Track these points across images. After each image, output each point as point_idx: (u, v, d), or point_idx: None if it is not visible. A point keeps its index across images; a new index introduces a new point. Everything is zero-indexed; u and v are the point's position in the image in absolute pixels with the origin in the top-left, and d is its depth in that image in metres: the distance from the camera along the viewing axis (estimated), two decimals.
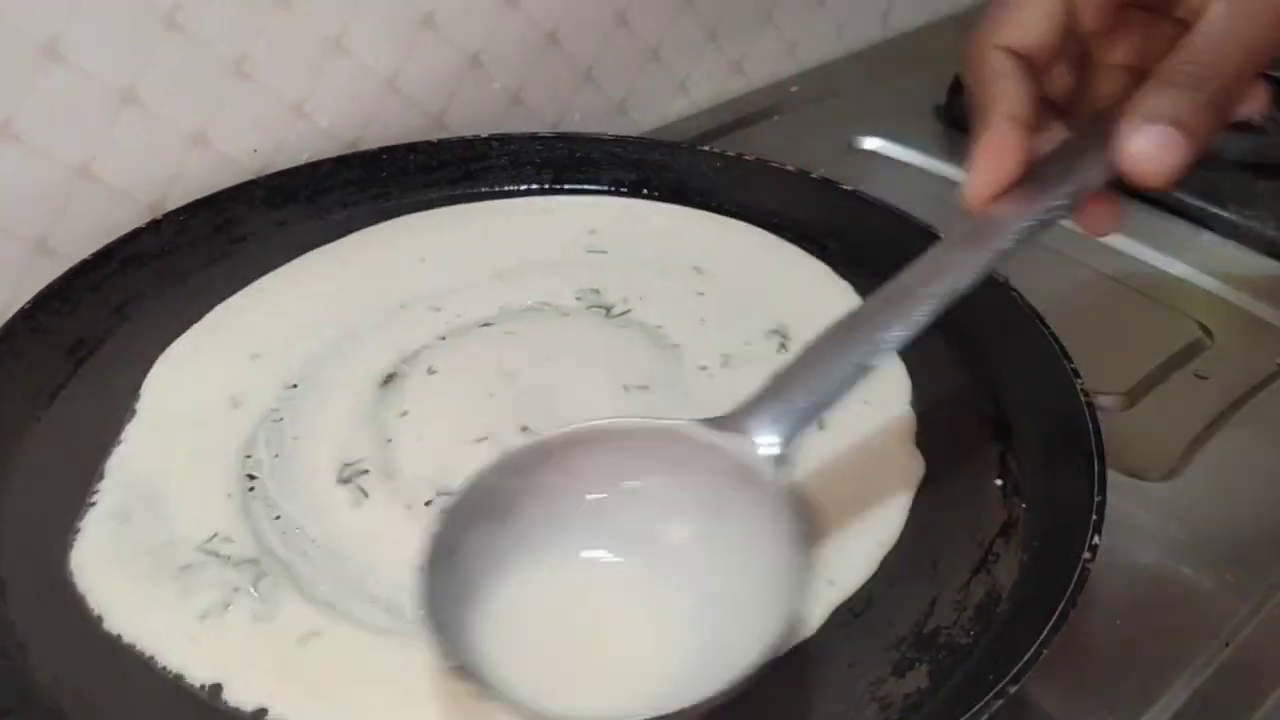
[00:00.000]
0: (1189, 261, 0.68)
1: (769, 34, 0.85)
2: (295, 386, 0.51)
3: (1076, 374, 0.49)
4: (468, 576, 0.36)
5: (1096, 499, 0.43)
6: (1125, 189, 0.39)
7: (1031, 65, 0.40)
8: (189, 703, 0.39)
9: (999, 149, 0.39)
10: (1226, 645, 0.46)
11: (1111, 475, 0.53)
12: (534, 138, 0.66)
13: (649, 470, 0.38)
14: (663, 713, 0.32)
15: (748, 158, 0.66)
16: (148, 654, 0.40)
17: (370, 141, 0.66)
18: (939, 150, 0.79)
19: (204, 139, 0.60)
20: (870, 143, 0.80)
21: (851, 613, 0.43)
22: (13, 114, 0.53)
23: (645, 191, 0.66)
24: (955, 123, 0.81)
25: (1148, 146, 0.36)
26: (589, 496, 0.38)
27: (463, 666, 0.33)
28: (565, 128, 0.75)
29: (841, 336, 0.38)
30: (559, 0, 0.70)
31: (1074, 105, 0.43)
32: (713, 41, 0.81)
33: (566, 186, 0.66)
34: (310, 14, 0.60)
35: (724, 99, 0.84)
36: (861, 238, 0.62)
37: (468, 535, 0.36)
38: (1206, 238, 0.70)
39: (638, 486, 0.38)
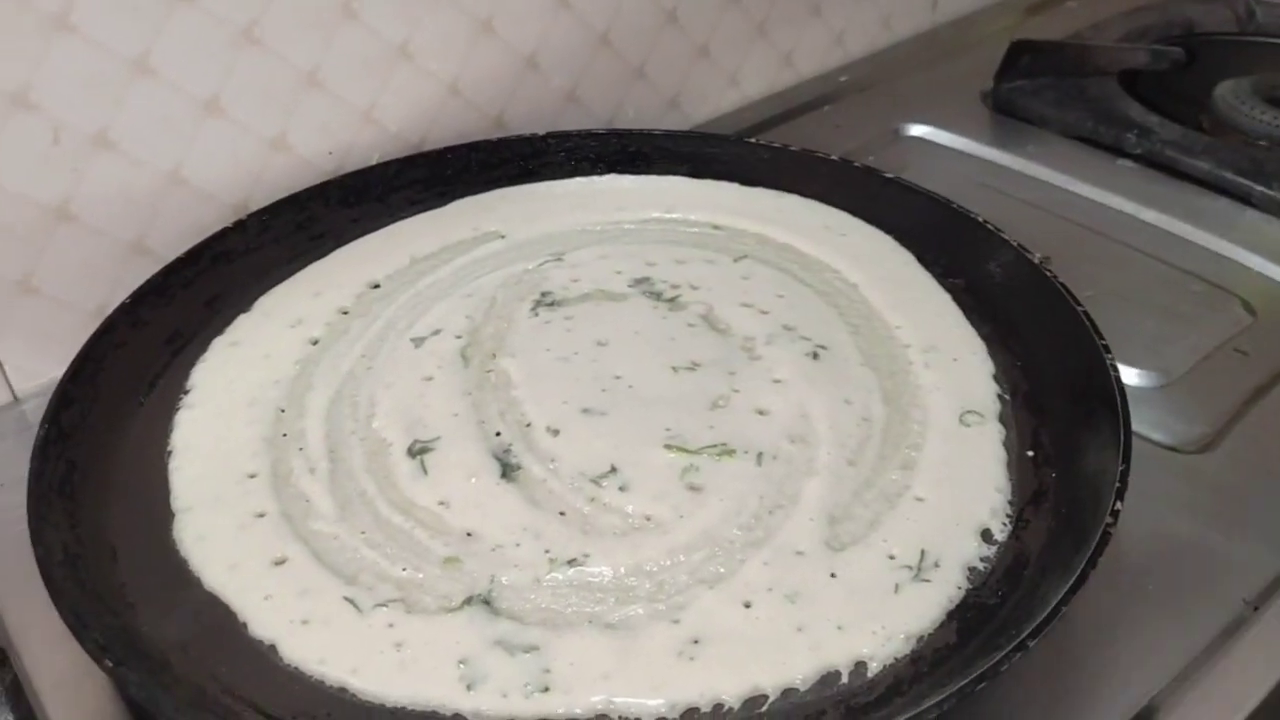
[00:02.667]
0: (1232, 238, 0.69)
1: (817, 26, 0.87)
2: (370, 369, 0.55)
3: (1107, 349, 0.51)
4: None
5: (1120, 468, 0.45)
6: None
7: None
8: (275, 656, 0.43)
9: None
10: (1255, 609, 0.48)
11: (1148, 447, 0.55)
12: (589, 134, 0.70)
13: None
14: None
15: (793, 148, 0.69)
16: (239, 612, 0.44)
17: (435, 142, 0.70)
18: (985, 136, 0.81)
19: (283, 144, 0.64)
20: (918, 129, 0.82)
21: None
22: (108, 124, 0.58)
23: None
24: (1002, 108, 0.83)
25: None
26: None
27: None
28: (619, 124, 0.78)
29: None
30: (610, 1, 0.73)
31: None
32: (761, 35, 0.84)
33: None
34: (376, 25, 0.64)
35: (774, 91, 0.87)
36: (904, 224, 0.64)
37: None
38: (1250, 215, 0.71)
39: None
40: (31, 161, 0.56)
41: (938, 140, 0.81)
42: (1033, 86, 0.82)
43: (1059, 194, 0.75)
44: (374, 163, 0.67)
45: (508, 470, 0.49)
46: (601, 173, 0.69)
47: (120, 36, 0.56)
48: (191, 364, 0.56)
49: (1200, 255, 0.69)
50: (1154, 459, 0.55)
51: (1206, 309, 0.64)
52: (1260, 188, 0.71)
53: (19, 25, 0.53)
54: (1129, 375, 0.59)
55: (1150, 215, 0.72)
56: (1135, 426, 0.49)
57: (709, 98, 0.83)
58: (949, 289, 0.60)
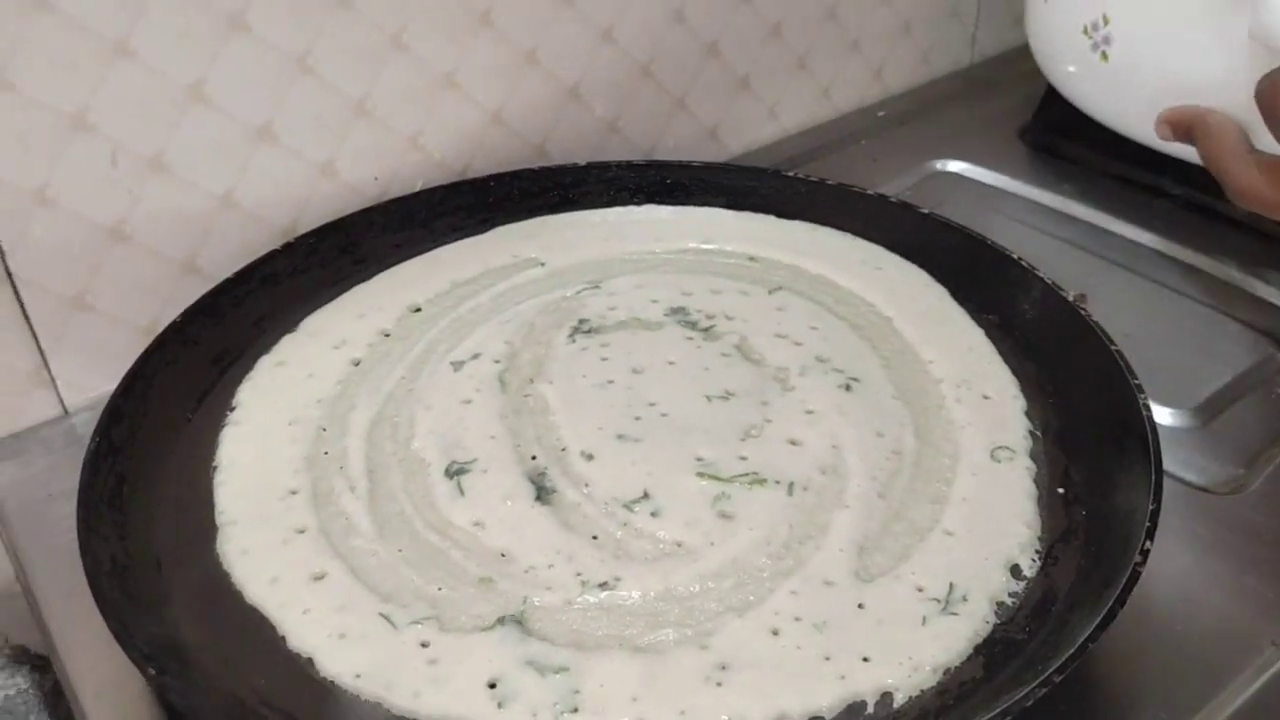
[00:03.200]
0: (1269, 279, 0.69)
1: (856, 60, 0.88)
2: (411, 391, 0.56)
3: (1140, 389, 0.52)
4: None
5: (1151, 507, 0.45)
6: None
7: None
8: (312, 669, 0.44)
9: None
10: None
11: (1179, 488, 0.55)
12: (629, 165, 0.71)
13: None
14: None
15: (830, 182, 0.69)
16: (278, 624, 0.45)
17: (478, 170, 0.71)
18: (1022, 173, 0.81)
19: (331, 169, 0.66)
20: (954, 165, 0.83)
21: None
22: (164, 148, 0.60)
23: None
24: (1038, 145, 0.83)
25: None
26: None
27: None
28: (660, 154, 0.80)
29: None
30: (653, 34, 0.75)
31: None
32: (801, 69, 0.85)
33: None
34: (424, 56, 0.66)
35: (812, 124, 0.88)
36: (939, 259, 0.65)
37: None
38: None
39: None
40: (90, 182, 0.58)
41: (974, 176, 0.82)
42: (1070, 124, 0.83)
43: (1096, 232, 0.75)
44: (418, 189, 0.69)
45: (542, 493, 0.50)
46: (640, 203, 0.70)
47: (178, 63, 0.58)
48: (238, 382, 0.57)
49: (1237, 296, 0.69)
50: (1186, 499, 0.55)
51: (1242, 350, 0.65)
52: None
53: (81, 50, 0.55)
54: (1162, 414, 0.59)
55: (1187, 255, 0.72)
56: (1167, 466, 0.49)
57: (747, 130, 0.84)
58: (983, 325, 0.61)
